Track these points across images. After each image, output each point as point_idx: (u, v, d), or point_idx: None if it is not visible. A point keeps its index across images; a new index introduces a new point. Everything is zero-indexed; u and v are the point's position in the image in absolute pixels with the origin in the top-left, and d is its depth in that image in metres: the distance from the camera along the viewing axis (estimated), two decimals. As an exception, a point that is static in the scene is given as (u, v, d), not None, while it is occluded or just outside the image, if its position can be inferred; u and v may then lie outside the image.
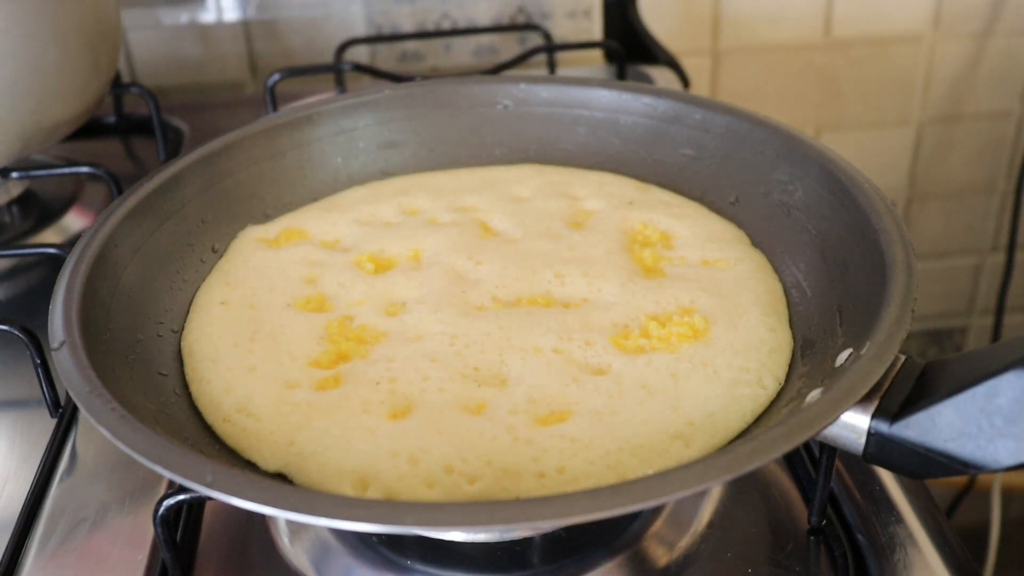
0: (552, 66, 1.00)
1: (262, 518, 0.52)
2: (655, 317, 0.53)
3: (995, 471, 0.40)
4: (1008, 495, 1.21)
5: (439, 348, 0.51)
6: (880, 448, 0.42)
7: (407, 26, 1.08)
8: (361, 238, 0.61)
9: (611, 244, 0.59)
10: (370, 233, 0.62)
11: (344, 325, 0.54)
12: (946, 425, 0.40)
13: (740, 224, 0.61)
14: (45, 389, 0.59)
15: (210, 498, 0.38)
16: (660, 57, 1.08)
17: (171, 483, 0.54)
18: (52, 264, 0.74)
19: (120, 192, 0.76)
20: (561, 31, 1.10)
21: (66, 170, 0.79)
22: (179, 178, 0.59)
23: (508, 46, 1.11)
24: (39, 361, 0.58)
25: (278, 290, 0.57)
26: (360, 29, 1.08)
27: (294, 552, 0.50)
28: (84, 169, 0.77)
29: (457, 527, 0.36)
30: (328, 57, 1.05)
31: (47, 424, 0.59)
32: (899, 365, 0.43)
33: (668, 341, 0.51)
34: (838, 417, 0.40)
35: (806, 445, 0.55)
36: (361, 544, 0.50)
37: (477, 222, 0.62)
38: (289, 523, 0.52)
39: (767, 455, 0.37)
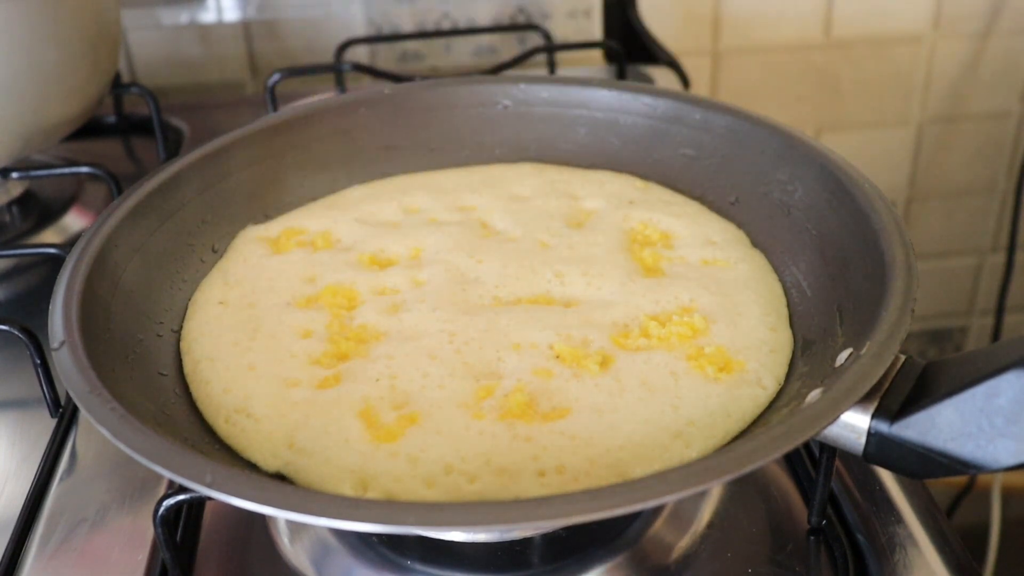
0: (552, 66, 1.00)
1: (262, 518, 0.52)
2: (655, 317, 0.53)
3: (995, 471, 0.40)
4: (1008, 495, 1.21)
5: (438, 346, 0.51)
6: (880, 448, 0.42)
7: (407, 26, 1.08)
8: (361, 237, 0.61)
9: (611, 243, 0.59)
10: (370, 232, 0.62)
11: (344, 324, 0.54)
12: (946, 425, 0.40)
13: (740, 224, 0.61)
14: (45, 389, 0.59)
15: (210, 498, 0.38)
16: (660, 57, 1.08)
17: (171, 483, 0.54)
18: (52, 264, 0.74)
19: (120, 192, 0.76)
20: (561, 31, 1.10)
21: (66, 170, 0.79)
22: (179, 178, 0.59)
23: (508, 46, 1.11)
24: (39, 361, 0.58)
25: (278, 289, 0.57)
26: (360, 29, 1.08)
27: (294, 552, 0.50)
28: (84, 169, 0.77)
29: (457, 527, 0.36)
30: (328, 57, 1.05)
31: (47, 424, 0.59)
32: (899, 365, 0.43)
33: (668, 341, 0.51)
34: (838, 417, 0.40)
35: (806, 445, 0.55)
36: (361, 544, 0.50)
37: (477, 221, 0.62)
38: (289, 523, 0.52)
39: (767, 455, 0.37)
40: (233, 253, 0.60)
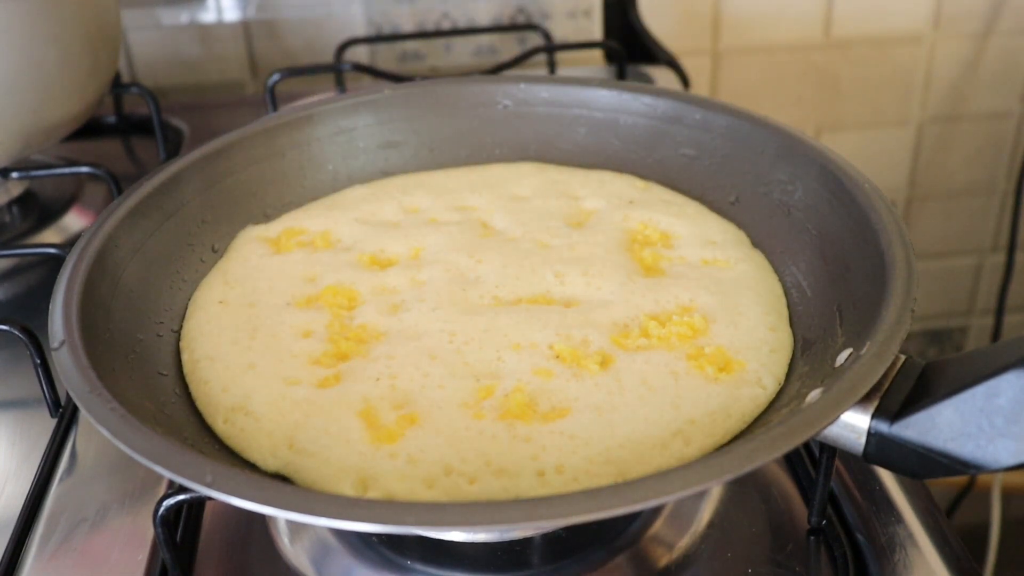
0: (552, 66, 1.00)
1: (262, 518, 0.52)
2: (655, 316, 0.53)
3: (995, 471, 0.40)
4: (1008, 495, 1.21)
5: (438, 346, 0.51)
6: (880, 448, 0.42)
7: (407, 26, 1.08)
8: (361, 237, 0.61)
9: (611, 243, 0.59)
10: (370, 232, 0.62)
11: (344, 324, 0.54)
12: (946, 425, 0.40)
13: (740, 224, 0.61)
14: (45, 389, 0.59)
15: (210, 498, 0.38)
16: (660, 57, 1.08)
17: (171, 483, 0.54)
18: (52, 264, 0.74)
19: (120, 192, 0.76)
20: (561, 31, 1.10)
21: (66, 170, 0.79)
22: (179, 178, 0.59)
23: (508, 46, 1.11)
24: (39, 361, 0.58)
25: (278, 289, 0.57)
26: (360, 29, 1.08)
27: (294, 552, 0.50)
28: (84, 169, 0.77)
29: (457, 527, 0.36)
30: (328, 57, 1.05)
31: (47, 424, 0.59)
32: (899, 365, 0.43)
33: (668, 340, 0.51)
34: (838, 417, 0.40)
35: (806, 445, 0.55)
36: (361, 544, 0.50)
37: (477, 221, 0.62)
38: (289, 523, 0.52)
39: (767, 455, 0.37)
40: (233, 253, 0.60)
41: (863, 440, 0.42)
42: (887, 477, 0.53)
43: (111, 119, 0.99)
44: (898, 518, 0.51)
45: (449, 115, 0.69)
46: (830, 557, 0.50)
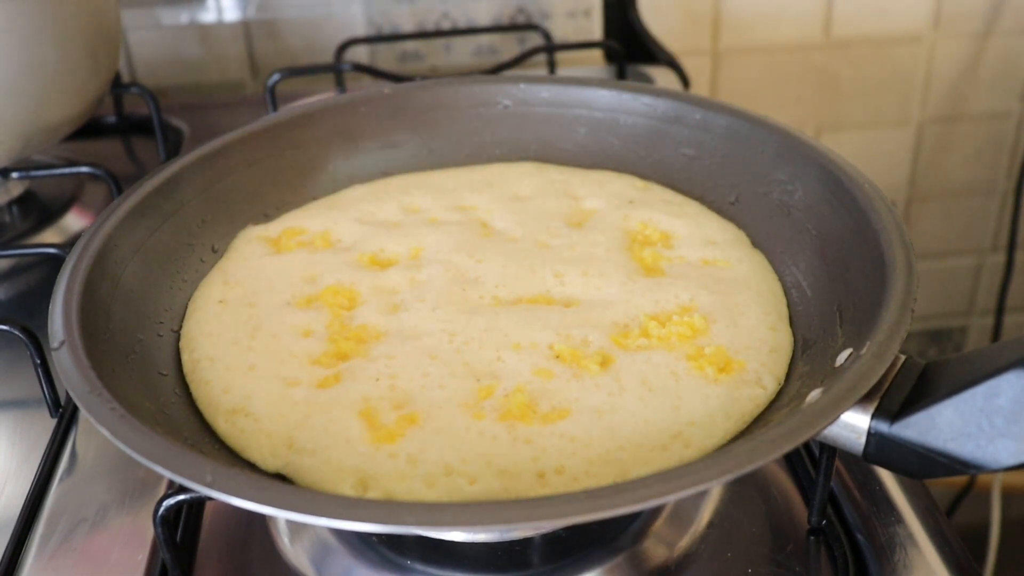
0: (552, 66, 1.00)
1: (262, 518, 0.52)
2: (655, 316, 0.53)
3: (995, 471, 0.40)
4: (1008, 495, 1.21)
5: (438, 346, 0.51)
6: (880, 448, 0.42)
7: (407, 26, 1.08)
8: (361, 237, 0.61)
9: (611, 243, 0.59)
10: (370, 232, 0.62)
11: (344, 324, 0.54)
12: (946, 425, 0.40)
13: (740, 224, 0.61)
14: (45, 389, 0.59)
15: (210, 498, 0.38)
16: (660, 57, 1.08)
17: (171, 483, 0.54)
18: (52, 264, 0.74)
19: (120, 192, 0.76)
20: (561, 31, 1.10)
21: (66, 170, 0.79)
22: (179, 178, 0.59)
23: (508, 46, 1.11)
24: (39, 361, 0.58)
25: (278, 289, 0.57)
26: (360, 29, 1.08)
27: (294, 552, 0.50)
28: (84, 169, 0.77)
29: (457, 527, 0.36)
30: (328, 57, 1.05)
31: (47, 424, 0.59)
32: (899, 365, 0.43)
33: (668, 341, 0.51)
34: (838, 417, 0.40)
35: (806, 445, 0.55)
36: (361, 544, 0.50)
37: (477, 221, 0.62)
38: (289, 523, 0.52)
39: (767, 455, 0.37)
40: (233, 253, 0.60)
41: (863, 440, 0.42)
42: (887, 477, 0.53)
43: (111, 119, 0.99)
44: (898, 518, 0.51)
45: (449, 115, 0.69)
46: (830, 557, 0.50)
